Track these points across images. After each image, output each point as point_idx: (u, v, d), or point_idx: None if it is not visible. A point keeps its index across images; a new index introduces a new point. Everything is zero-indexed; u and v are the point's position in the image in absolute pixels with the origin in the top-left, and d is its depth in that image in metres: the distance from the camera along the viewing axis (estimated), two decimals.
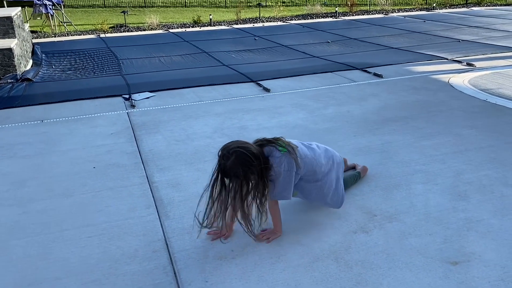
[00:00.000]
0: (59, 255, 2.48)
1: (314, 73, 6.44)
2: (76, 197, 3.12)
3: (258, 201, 2.41)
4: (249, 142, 2.41)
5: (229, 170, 2.30)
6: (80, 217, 2.86)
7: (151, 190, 3.20)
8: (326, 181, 2.68)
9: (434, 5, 15.57)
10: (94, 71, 7.16)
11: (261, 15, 14.18)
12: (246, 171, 2.30)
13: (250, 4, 17.88)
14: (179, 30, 11.56)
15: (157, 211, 2.91)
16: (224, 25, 12.38)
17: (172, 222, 2.77)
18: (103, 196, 3.12)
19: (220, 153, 2.35)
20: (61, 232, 2.70)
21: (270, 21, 12.86)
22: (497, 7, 14.75)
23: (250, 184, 2.36)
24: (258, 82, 6.04)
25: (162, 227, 2.73)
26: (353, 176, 3.16)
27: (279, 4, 15.44)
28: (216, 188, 2.37)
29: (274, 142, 2.46)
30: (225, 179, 2.35)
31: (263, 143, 2.46)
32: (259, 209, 2.42)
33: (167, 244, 2.55)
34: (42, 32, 11.63)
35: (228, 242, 2.55)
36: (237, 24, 12.48)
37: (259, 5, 15.37)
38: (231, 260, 2.40)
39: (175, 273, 2.31)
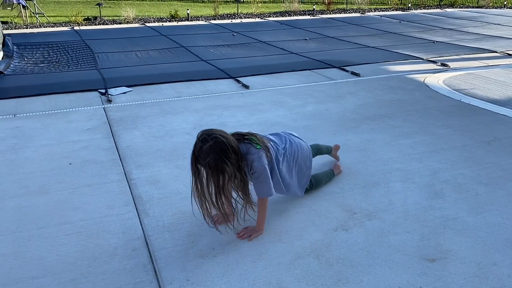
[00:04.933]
0: (35, 254, 2.42)
1: (293, 71, 6.46)
2: (52, 194, 3.04)
3: (241, 192, 2.40)
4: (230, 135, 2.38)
5: (203, 154, 2.23)
6: (57, 214, 2.79)
7: (129, 187, 3.14)
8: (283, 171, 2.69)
9: (409, 5, 15.84)
10: (69, 64, 6.99)
11: (239, 11, 14.12)
12: (221, 161, 2.23)
13: (228, 0, 17.78)
14: (156, 24, 11.41)
15: (136, 209, 2.86)
16: (202, 20, 12.28)
17: (152, 220, 2.73)
18: (80, 193, 3.05)
19: (199, 135, 2.28)
20: (37, 230, 2.63)
21: (248, 17, 12.83)
22: (469, 8, 15.14)
23: (226, 175, 2.29)
24: (237, 78, 6.02)
25: (141, 225, 2.69)
26: (327, 174, 3.17)
27: (257, 0, 15.41)
28: (194, 176, 2.30)
29: (249, 138, 2.44)
30: (199, 166, 2.28)
31: (239, 138, 2.42)
32: (242, 199, 2.42)
33: (147, 242, 2.52)
34: (13, 23, 11.28)
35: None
36: (215, 19, 12.40)
37: (237, 1, 15.29)
38: (212, 258, 2.39)
39: (155, 272, 2.28)
